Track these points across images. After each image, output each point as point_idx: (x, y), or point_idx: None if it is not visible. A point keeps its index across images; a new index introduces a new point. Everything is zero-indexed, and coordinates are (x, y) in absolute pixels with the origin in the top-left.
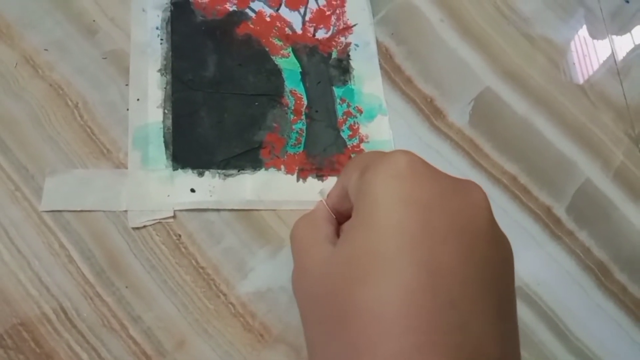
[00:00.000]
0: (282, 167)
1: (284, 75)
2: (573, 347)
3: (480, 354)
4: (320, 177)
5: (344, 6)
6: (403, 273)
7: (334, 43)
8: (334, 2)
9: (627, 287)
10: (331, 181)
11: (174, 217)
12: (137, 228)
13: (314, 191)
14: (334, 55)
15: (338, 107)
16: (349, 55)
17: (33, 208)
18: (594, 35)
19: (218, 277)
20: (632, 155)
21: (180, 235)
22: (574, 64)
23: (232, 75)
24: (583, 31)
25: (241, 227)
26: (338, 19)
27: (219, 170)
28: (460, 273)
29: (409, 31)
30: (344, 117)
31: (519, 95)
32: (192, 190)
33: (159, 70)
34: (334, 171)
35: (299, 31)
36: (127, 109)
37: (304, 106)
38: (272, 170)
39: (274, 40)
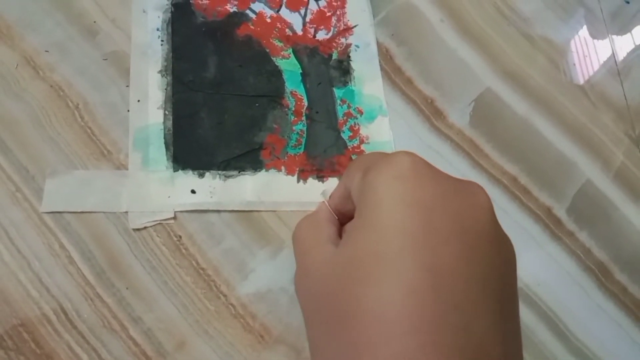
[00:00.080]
0: (283, 168)
1: (285, 76)
2: (573, 348)
3: (483, 355)
4: (320, 178)
5: (344, 7)
6: (405, 274)
7: (334, 44)
8: (334, 3)
9: (628, 288)
10: (332, 182)
11: (174, 218)
12: (138, 229)
13: (314, 192)
14: (335, 56)
15: (338, 108)
16: (349, 56)
17: (33, 209)
18: (595, 35)
19: (218, 278)
20: (633, 156)
21: (180, 237)
22: (574, 64)
23: (233, 77)
24: (583, 31)
25: (241, 228)
26: (338, 20)
27: (220, 172)
28: (463, 274)
29: (409, 32)
30: (345, 118)
31: (519, 96)
32: (193, 192)
33: (160, 72)
34: (334, 172)
35: (300, 32)
36: (128, 110)
37: (305, 107)
38: (272, 172)
39: (274, 42)
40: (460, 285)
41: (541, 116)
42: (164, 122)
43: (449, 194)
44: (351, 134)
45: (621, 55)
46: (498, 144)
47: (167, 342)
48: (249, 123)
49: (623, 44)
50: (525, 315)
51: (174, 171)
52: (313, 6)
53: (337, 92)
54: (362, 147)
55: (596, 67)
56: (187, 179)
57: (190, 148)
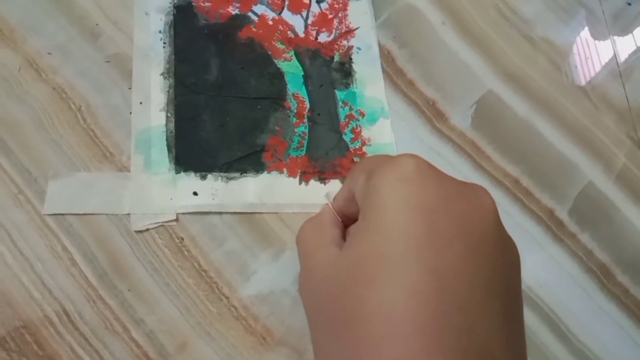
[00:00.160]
0: (285, 170)
1: (287, 78)
2: (575, 349)
3: (486, 357)
4: (322, 180)
5: (346, 10)
6: (409, 276)
7: (336, 46)
8: (336, 6)
9: (630, 290)
10: (333, 184)
11: (176, 220)
12: (140, 231)
13: (316, 194)
14: (336, 58)
15: (340, 110)
16: (351, 59)
17: (36, 211)
18: (596, 37)
19: (220, 280)
20: (635, 158)
21: (182, 238)
22: (575, 66)
23: (235, 79)
24: (585, 33)
25: (243, 230)
26: (340, 23)
27: (222, 174)
28: (467, 276)
29: (411, 34)
30: (346, 120)
31: (521, 98)
32: (195, 194)
33: (162, 74)
34: (336, 174)
35: (302, 34)
36: (130, 113)
37: (307, 109)
38: (274, 174)
39: (276, 44)
40: (464, 287)
41: (543, 118)
42: (166, 125)
43: (453, 196)
44: (353, 136)
45: (623, 56)
46: (500, 146)
47: (169, 344)
48: (251, 125)
49: (625, 46)
50: (528, 317)
51: (176, 173)
52: (315, 8)
53: (339, 94)
54: (364, 149)
55: (598, 68)
56: (189, 181)
57: (193, 150)
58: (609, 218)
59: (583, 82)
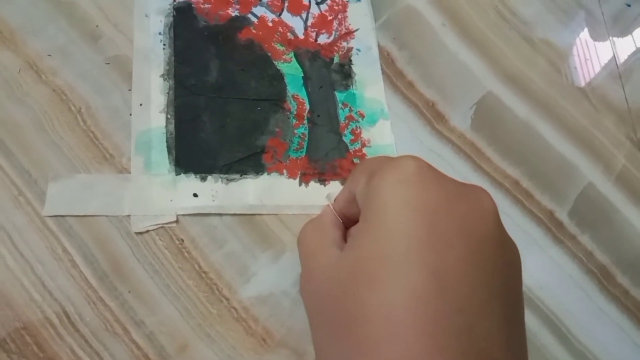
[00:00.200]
0: (285, 171)
1: (286, 80)
2: (575, 351)
3: (486, 358)
4: (322, 181)
5: (345, 11)
6: (410, 277)
7: (335, 48)
8: (335, 7)
9: (629, 291)
10: (333, 185)
11: (176, 221)
12: (140, 233)
13: (316, 195)
14: (336, 60)
15: (340, 111)
16: (350, 60)
17: (36, 213)
18: (596, 38)
19: (220, 282)
20: (634, 159)
21: (183, 240)
22: (575, 67)
23: (235, 80)
24: (584, 34)
25: (243, 231)
26: (340, 24)
27: (222, 175)
28: (468, 277)
29: (411, 36)
30: (346, 121)
31: (521, 99)
32: (195, 195)
33: (162, 75)
34: (336, 175)
35: (301, 36)
36: (130, 114)
37: (306, 111)
38: (274, 175)
39: (276, 45)
40: (464, 288)
41: (542, 119)
42: (166, 126)
43: (454, 197)
44: (353, 137)
45: (622, 58)
46: (499, 148)
47: (169, 346)
48: (251, 127)
49: (624, 47)
50: (528, 318)
51: (176, 175)
52: (314, 10)
53: (339, 96)
54: (364, 150)
55: (597, 70)
56: (189, 182)
57: (193, 152)
58: (608, 219)
59: (583, 84)
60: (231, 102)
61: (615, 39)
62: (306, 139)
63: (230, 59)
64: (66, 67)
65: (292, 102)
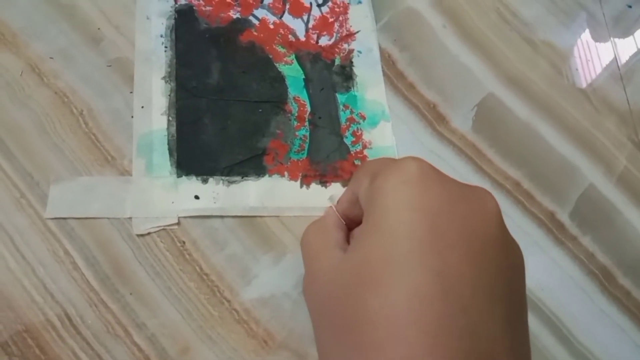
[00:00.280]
0: (286, 173)
1: (288, 82)
2: (576, 352)
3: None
4: (323, 183)
5: (346, 13)
6: (413, 278)
7: (337, 50)
8: (337, 10)
9: (631, 292)
10: (335, 187)
11: (178, 223)
12: (142, 235)
13: (317, 197)
14: (337, 62)
15: (341, 113)
16: (352, 62)
17: (38, 215)
18: (597, 40)
19: (222, 284)
20: (636, 160)
21: (184, 242)
22: (576, 69)
23: (236, 83)
24: (586, 36)
25: (245, 233)
26: (341, 26)
27: (223, 177)
28: (470, 278)
29: (412, 37)
30: (347, 123)
31: (522, 101)
32: (196, 197)
33: (163, 78)
34: (337, 177)
35: (302, 38)
36: (132, 117)
37: (308, 113)
38: (275, 177)
39: (277, 48)
40: (467, 289)
41: (544, 121)
42: (168, 128)
43: (457, 199)
44: (354, 139)
45: (624, 59)
46: (501, 149)
47: (171, 348)
48: (252, 129)
49: (625, 48)
50: (529, 320)
51: (178, 177)
52: (316, 12)
53: (340, 98)
54: (365, 152)
55: (599, 71)
56: (191, 184)
57: (194, 154)
58: (610, 221)
59: (584, 85)
60: (232, 104)
61: (616, 40)
62: (307, 140)
63: (232, 61)
64: (68, 69)
65: (294, 104)
